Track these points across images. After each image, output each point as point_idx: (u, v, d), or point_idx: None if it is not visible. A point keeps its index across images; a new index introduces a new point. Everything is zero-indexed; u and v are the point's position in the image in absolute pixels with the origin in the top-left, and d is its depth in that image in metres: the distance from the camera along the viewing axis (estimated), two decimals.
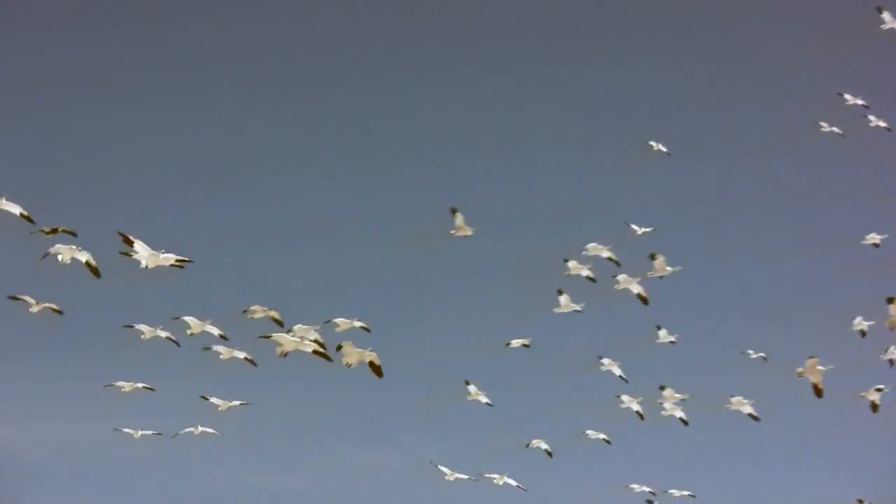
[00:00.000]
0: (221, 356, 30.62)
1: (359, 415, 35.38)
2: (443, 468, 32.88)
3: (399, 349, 32.07)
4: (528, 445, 32.72)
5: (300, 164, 40.99)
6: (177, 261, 26.55)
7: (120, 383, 33.59)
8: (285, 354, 27.00)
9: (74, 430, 36.31)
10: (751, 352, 30.55)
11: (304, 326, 27.84)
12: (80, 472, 36.23)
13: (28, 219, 26.58)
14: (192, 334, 29.76)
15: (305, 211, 39.95)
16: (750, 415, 30.67)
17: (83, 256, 26.45)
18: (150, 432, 34.35)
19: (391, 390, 29.93)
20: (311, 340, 26.82)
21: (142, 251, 25.98)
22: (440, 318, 35.68)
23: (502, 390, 32.09)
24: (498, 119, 39.17)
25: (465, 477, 32.91)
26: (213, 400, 33.93)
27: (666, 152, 32.11)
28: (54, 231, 25.89)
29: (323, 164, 40.81)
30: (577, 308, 31.41)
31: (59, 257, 26.22)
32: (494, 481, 32.81)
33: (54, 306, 29.60)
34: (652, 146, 32.11)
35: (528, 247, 33.41)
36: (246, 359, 30.51)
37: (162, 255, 26.37)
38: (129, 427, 34.20)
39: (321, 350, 26.86)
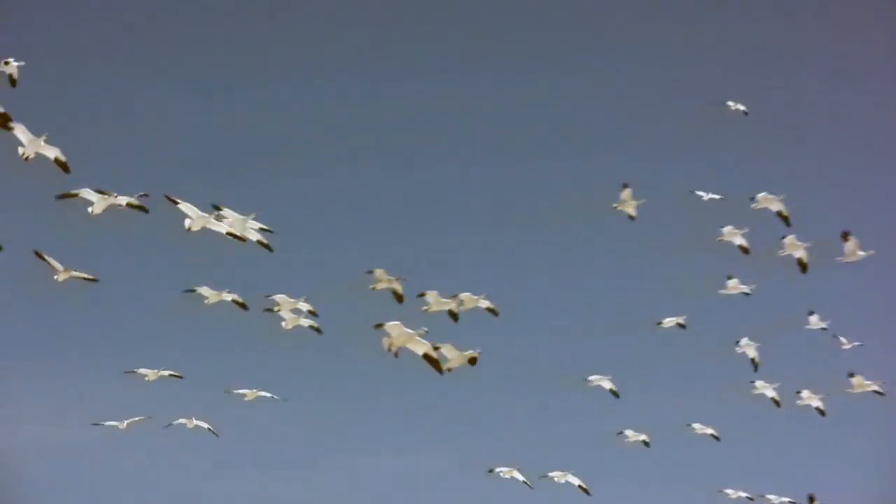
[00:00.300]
0: (284, 324, 27.56)
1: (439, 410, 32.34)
2: (500, 468, 30.61)
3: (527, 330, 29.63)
4: (622, 436, 30.35)
5: (450, 137, 37.99)
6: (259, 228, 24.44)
7: (143, 371, 30.01)
8: (396, 353, 23.94)
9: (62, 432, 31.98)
10: (843, 340, 29.22)
11: (441, 298, 25.41)
12: (71, 476, 31.96)
13: (63, 166, 23.41)
14: (277, 310, 27.01)
15: (449, 186, 37.03)
16: None
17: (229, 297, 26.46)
18: (137, 418, 30.50)
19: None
20: (422, 335, 23.85)
21: (187, 211, 23.76)
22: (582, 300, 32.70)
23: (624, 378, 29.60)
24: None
25: (521, 478, 30.69)
26: (241, 391, 30.91)
27: (744, 111, 30.39)
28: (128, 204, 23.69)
29: (473, 138, 37.67)
30: (747, 290, 29.14)
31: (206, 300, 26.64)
32: (556, 479, 30.63)
33: (85, 274, 25.79)
34: (729, 106, 30.32)
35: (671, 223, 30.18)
36: (311, 327, 27.69)
37: (213, 218, 23.94)
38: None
39: (432, 356, 23.98)
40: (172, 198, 23.67)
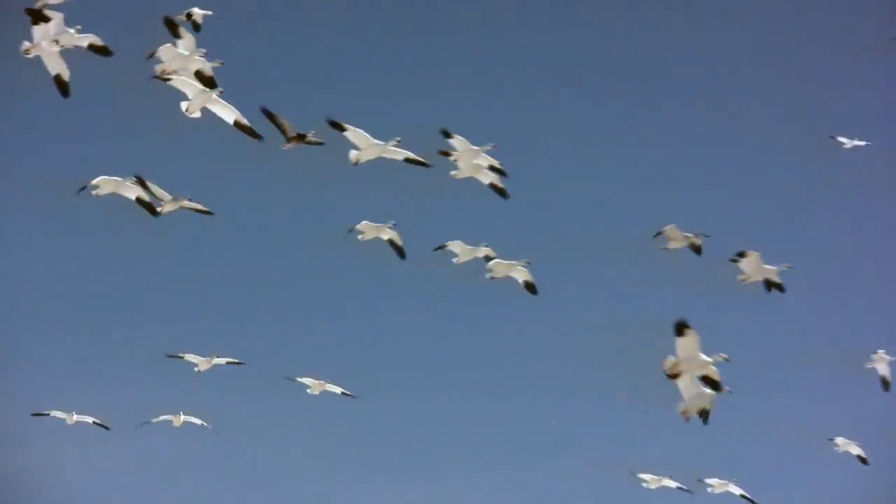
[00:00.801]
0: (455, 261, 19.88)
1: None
2: (643, 476, 24.22)
3: None
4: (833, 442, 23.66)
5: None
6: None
7: (191, 357, 21.60)
8: (687, 416, 16.99)
9: None
10: None
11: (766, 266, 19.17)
12: None
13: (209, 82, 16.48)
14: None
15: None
16: None
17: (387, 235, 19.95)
18: (89, 419, 22.04)
19: None
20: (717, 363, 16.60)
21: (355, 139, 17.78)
22: None
23: None
24: None
25: (674, 485, 24.43)
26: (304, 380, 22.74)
27: None
28: (301, 138, 17.60)
29: None
30: None
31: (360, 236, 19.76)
32: (711, 489, 24.41)
33: (199, 205, 18.93)
34: None
35: None
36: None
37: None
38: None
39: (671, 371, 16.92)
40: (338, 122, 17.64)
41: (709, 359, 16.58)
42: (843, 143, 22.66)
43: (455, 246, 19.59)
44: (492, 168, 18.26)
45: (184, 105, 16.13)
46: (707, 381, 16.78)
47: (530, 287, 19.84)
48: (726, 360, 16.70)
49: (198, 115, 16.17)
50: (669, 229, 19.76)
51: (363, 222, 19.48)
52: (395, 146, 17.50)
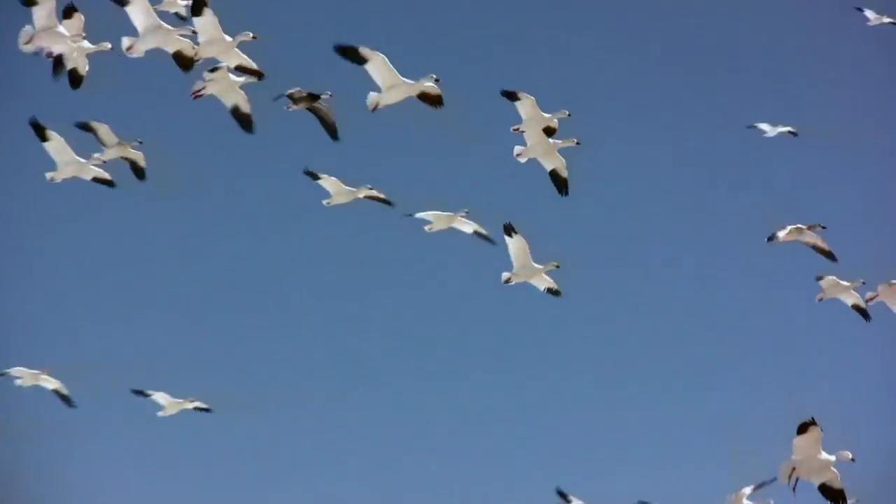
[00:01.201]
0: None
1: None
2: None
3: None
4: None
5: None
6: None
7: (18, 371, 16.80)
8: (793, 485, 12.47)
9: None
10: None
11: None
12: None
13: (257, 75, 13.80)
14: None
15: None
16: None
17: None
18: None
19: None
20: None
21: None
22: None
23: None
24: None
25: None
26: None
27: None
28: (313, 97, 14.73)
29: None
30: None
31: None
32: None
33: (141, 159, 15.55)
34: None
35: None
36: None
37: None
38: None
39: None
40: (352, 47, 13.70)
41: (831, 457, 12.21)
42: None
43: (328, 182, 15.90)
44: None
45: (126, 42, 13.25)
46: (826, 491, 12.62)
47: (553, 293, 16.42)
48: (852, 460, 12.30)
49: (141, 54, 13.32)
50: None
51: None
52: (431, 84, 13.50)
